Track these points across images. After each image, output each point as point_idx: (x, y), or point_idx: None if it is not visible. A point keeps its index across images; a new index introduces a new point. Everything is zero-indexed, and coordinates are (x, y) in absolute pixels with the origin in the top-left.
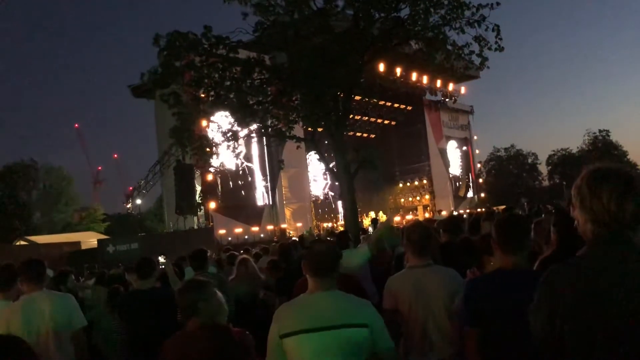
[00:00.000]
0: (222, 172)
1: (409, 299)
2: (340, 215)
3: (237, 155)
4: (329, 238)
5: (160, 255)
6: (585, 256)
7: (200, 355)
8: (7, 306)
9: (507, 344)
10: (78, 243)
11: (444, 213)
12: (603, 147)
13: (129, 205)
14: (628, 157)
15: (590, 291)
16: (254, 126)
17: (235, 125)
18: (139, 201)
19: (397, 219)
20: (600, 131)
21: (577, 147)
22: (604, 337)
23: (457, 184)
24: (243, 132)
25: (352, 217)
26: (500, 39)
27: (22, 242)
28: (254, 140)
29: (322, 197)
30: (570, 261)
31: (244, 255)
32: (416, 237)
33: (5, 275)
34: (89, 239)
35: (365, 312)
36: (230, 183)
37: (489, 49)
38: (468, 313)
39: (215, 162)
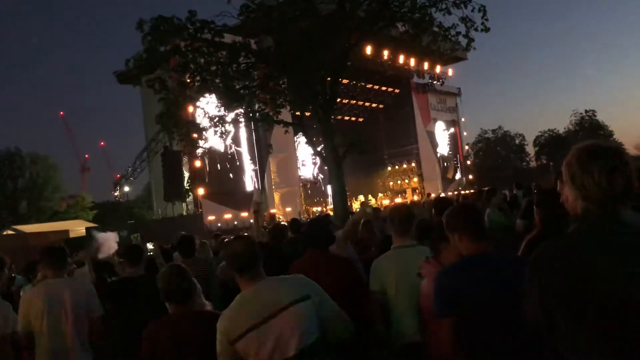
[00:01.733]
0: (210, 158)
1: (395, 279)
2: (330, 199)
3: (223, 136)
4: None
5: (148, 242)
6: (575, 232)
7: (184, 340)
8: None
9: (488, 331)
10: (66, 232)
11: (432, 196)
12: (589, 128)
13: (116, 193)
14: (614, 137)
15: (582, 267)
16: (241, 110)
17: (222, 110)
18: (127, 188)
19: (385, 202)
20: (586, 111)
21: (564, 128)
22: (594, 313)
23: (446, 165)
24: (230, 117)
25: (341, 200)
26: (487, 19)
27: (9, 232)
28: (242, 125)
29: (311, 181)
30: (561, 238)
31: (228, 239)
32: (398, 218)
33: None
34: (77, 227)
35: (303, 285)
36: (219, 168)
37: (476, 29)
38: (442, 303)
39: (203, 147)
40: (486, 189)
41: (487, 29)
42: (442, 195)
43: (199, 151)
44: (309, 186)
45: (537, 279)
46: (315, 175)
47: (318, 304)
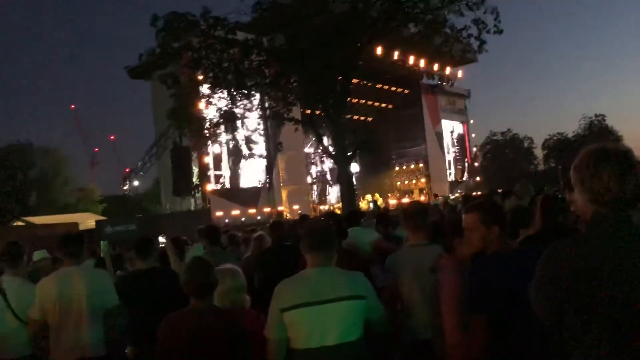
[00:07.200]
0: (219, 155)
1: (408, 277)
2: (330, 197)
3: (233, 132)
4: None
5: (160, 235)
6: (586, 234)
7: (205, 335)
8: (15, 281)
9: (517, 328)
10: (75, 224)
11: (440, 198)
12: (598, 132)
13: (126, 187)
14: (623, 142)
15: (591, 269)
16: (251, 105)
17: (233, 107)
18: (136, 183)
19: (392, 202)
20: (596, 116)
21: (573, 132)
22: (602, 315)
23: (453, 167)
24: (239, 112)
25: (350, 199)
26: (499, 21)
27: (19, 223)
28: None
29: (318, 180)
30: (572, 238)
31: (261, 232)
32: (414, 216)
33: (13, 252)
34: (87, 220)
35: (362, 284)
36: (228, 165)
37: (488, 32)
38: (478, 298)
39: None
40: (500, 190)
41: (500, 31)
42: (451, 196)
43: (210, 148)
44: (316, 185)
45: (548, 274)
46: (321, 174)
47: (370, 306)
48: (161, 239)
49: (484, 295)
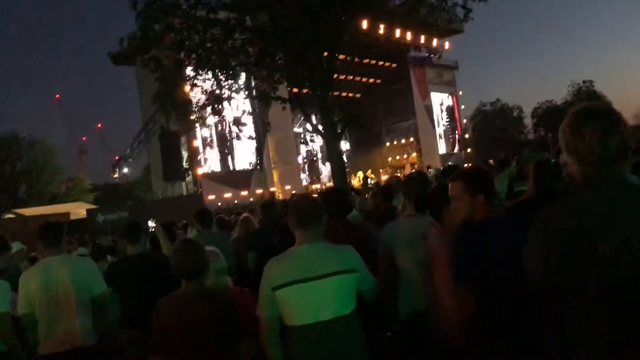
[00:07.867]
0: (208, 138)
1: (404, 247)
2: (323, 176)
3: (220, 115)
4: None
5: (150, 220)
6: (576, 195)
7: (196, 319)
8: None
9: (502, 297)
10: (67, 214)
11: (431, 170)
12: (587, 98)
13: (116, 175)
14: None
15: (583, 228)
16: (236, 86)
17: (218, 89)
18: (125, 170)
19: (384, 177)
20: (584, 82)
21: (562, 99)
22: (597, 273)
23: (444, 140)
24: (226, 94)
25: (341, 177)
26: None
27: (10, 215)
28: (241, 103)
29: (308, 159)
30: (562, 200)
31: (246, 214)
32: (415, 186)
33: None
34: (78, 210)
35: (352, 258)
36: (217, 147)
37: (473, 0)
38: (463, 268)
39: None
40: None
41: None
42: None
43: (198, 131)
44: (307, 164)
45: (540, 239)
46: (312, 152)
47: (361, 278)
48: (151, 224)
49: (466, 264)
